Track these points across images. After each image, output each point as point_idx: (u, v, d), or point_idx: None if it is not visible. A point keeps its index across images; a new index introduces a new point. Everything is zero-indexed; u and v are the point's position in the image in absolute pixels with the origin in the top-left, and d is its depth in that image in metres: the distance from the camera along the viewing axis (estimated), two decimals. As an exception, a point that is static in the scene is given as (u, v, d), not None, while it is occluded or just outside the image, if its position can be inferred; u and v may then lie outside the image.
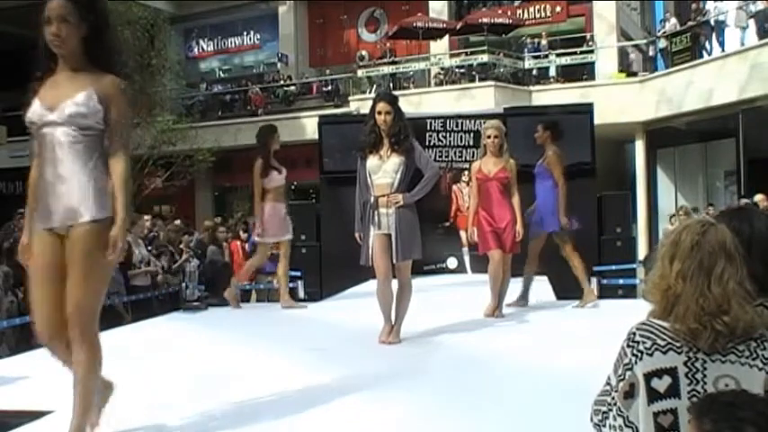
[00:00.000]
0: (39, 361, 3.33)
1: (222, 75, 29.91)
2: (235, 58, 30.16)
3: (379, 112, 6.21)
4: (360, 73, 23.88)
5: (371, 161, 6.21)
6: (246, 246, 13.04)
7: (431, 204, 12.22)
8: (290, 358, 5.73)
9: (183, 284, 10.34)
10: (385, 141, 6.22)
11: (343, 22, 27.29)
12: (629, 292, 10.16)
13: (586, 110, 11.06)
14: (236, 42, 29.81)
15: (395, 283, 6.25)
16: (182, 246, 11.68)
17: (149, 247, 11.14)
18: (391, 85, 22.95)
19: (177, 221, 14.84)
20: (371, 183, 6.21)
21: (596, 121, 11.18)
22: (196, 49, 30.44)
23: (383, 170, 6.17)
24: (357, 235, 6.33)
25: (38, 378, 5.13)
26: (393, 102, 6.34)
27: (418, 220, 6.28)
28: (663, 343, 2.14)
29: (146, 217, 12.18)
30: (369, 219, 6.18)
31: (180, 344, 6.77)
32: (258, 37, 29.22)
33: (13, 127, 22.38)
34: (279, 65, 27.37)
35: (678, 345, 2.13)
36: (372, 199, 6.18)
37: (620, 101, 19.75)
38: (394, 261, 6.14)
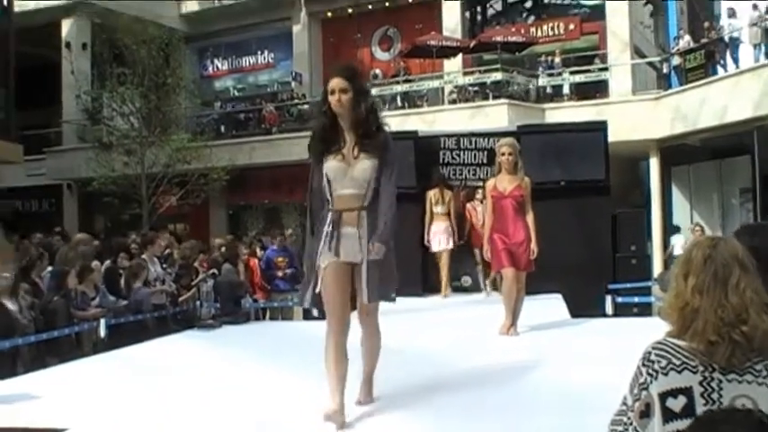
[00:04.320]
0: (53, 379, 3.32)
1: (236, 93, 30.04)
2: (249, 77, 30.30)
3: (332, 92, 4.41)
4: (374, 91, 23.91)
5: (331, 164, 4.46)
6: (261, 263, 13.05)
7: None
8: (301, 376, 5.72)
9: (198, 302, 10.37)
10: (348, 135, 4.50)
11: (356, 40, 27.39)
12: (645, 311, 10.11)
13: (600, 127, 11.07)
14: (251, 61, 29.97)
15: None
16: (196, 264, 11.70)
17: (164, 266, 11.18)
18: (405, 103, 23.00)
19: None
20: (331, 193, 4.50)
21: (610, 138, 11.18)
22: (211, 68, 30.61)
23: (349, 177, 4.45)
24: (306, 267, 4.67)
25: (52, 396, 5.14)
26: (350, 75, 4.49)
27: (392, 246, 4.54)
28: (678, 362, 2.13)
29: (164, 236, 12.23)
30: (325, 241, 4.47)
31: (194, 361, 6.78)
32: (272, 56, 29.37)
33: (29, 146, 22.58)
34: (293, 83, 27.49)
35: (693, 364, 2.12)
36: (332, 214, 4.48)
37: (634, 118, 19.70)
38: (364, 300, 4.47)
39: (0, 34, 20.91)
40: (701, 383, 2.10)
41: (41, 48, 26.00)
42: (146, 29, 21.78)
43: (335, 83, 4.44)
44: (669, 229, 20.31)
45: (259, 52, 29.67)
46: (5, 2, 21.35)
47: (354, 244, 4.44)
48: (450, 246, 11.51)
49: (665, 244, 20.33)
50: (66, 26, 25.95)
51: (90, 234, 14.00)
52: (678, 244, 18.18)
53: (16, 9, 21.83)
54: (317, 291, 4.47)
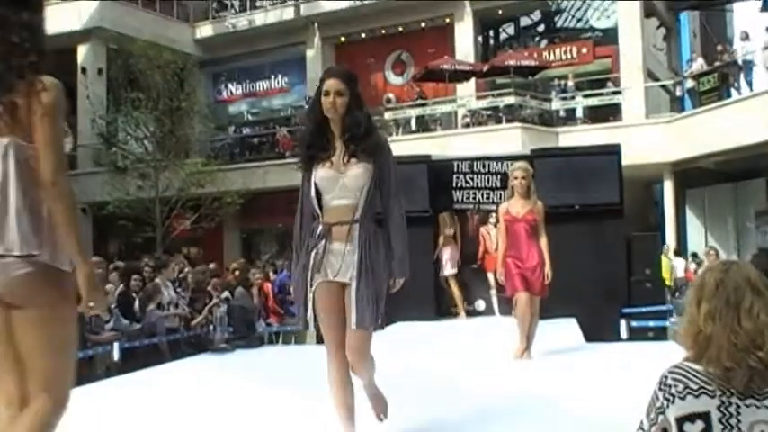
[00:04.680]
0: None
1: (250, 118, 30.18)
2: (263, 102, 30.46)
3: (326, 93, 4.06)
4: (387, 115, 23.99)
5: (321, 172, 4.08)
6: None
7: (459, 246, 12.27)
8: (315, 401, 5.71)
9: (211, 326, 10.37)
10: (338, 142, 4.12)
11: (369, 65, 27.50)
12: (660, 335, 10.05)
13: (614, 151, 11.06)
14: (265, 86, 30.13)
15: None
16: (209, 288, 11.71)
17: (178, 289, 11.19)
18: (419, 127, 23.04)
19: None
20: (321, 206, 4.12)
21: (624, 161, 11.16)
22: (225, 93, 30.79)
23: (340, 186, 4.06)
24: (295, 287, 4.29)
25: (64, 419, 5.14)
26: (348, 79, 4.16)
27: (387, 266, 4.14)
28: (695, 387, 2.12)
29: (178, 259, 12.26)
30: (313, 259, 4.07)
31: (207, 385, 6.77)
32: (286, 80, 29.52)
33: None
34: (306, 108, 27.61)
35: (711, 389, 2.10)
36: (322, 228, 4.07)
37: (647, 141, 19.67)
38: (351, 326, 3.98)
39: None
40: (718, 408, 2.08)
41: (57, 73, 26.13)
42: (160, 54, 21.97)
43: (332, 84, 4.09)
44: (684, 252, 20.20)
45: (273, 77, 29.84)
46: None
47: (340, 261, 4.03)
48: (454, 271, 11.63)
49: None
50: (82, 52, 26.18)
51: (104, 257, 14.05)
52: (680, 267, 18.05)
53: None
54: (311, 312, 4.11)
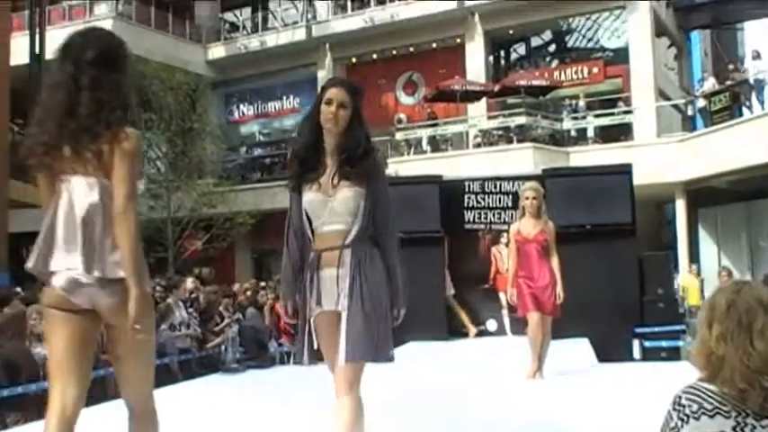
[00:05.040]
0: (78, 422, 3.34)
1: (262, 138, 30.30)
2: (274, 122, 30.57)
3: (329, 102, 3.71)
4: (398, 136, 24.06)
5: (309, 195, 3.76)
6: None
7: (470, 266, 12.26)
8: (326, 421, 5.68)
9: (223, 347, 10.37)
10: (329, 159, 3.77)
11: (381, 85, 27.60)
12: (673, 355, 9.99)
13: (625, 170, 11.04)
14: (276, 107, 30.25)
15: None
16: (221, 308, 11.72)
17: (189, 309, 11.20)
18: (430, 147, 23.08)
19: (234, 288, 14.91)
20: (312, 231, 3.78)
21: (636, 181, 11.14)
22: (236, 114, 30.93)
23: (330, 210, 3.71)
24: (283, 310, 4.02)
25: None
26: (354, 90, 3.81)
27: (388, 290, 3.73)
28: (710, 407, 2.10)
29: (189, 279, 12.27)
30: (306, 287, 3.76)
31: (218, 406, 6.76)
32: (297, 101, 29.63)
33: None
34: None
35: (726, 409, 2.09)
36: (313, 255, 3.75)
37: (659, 161, 19.64)
38: (340, 361, 3.60)
39: (31, 81, 21.27)
40: (734, 429, 2.07)
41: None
42: (173, 75, 22.10)
43: (336, 93, 3.73)
44: (697, 272, 20.10)
45: (284, 97, 29.96)
46: (37, 49, 21.75)
47: (333, 288, 3.67)
48: (452, 291, 11.67)
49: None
50: (96, 73, 26.33)
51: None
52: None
53: (47, 56, 22.23)
54: (316, 347, 3.78)
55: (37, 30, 21.87)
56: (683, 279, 18.36)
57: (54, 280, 3.21)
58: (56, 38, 23.28)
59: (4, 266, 17.73)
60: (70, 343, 3.20)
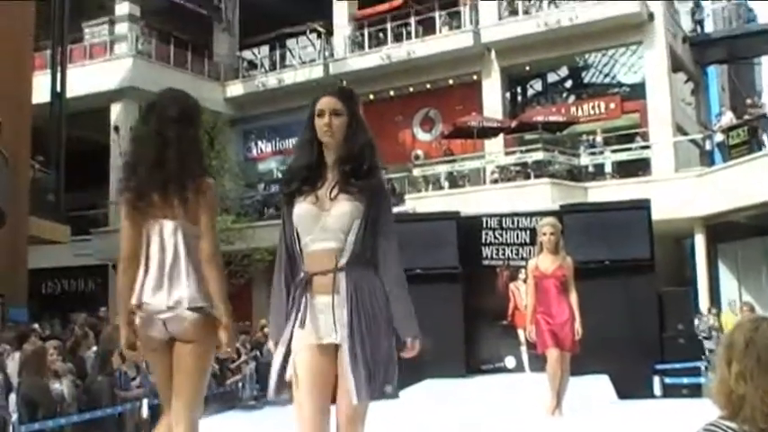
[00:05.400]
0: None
1: (280, 175, 30.36)
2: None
3: (320, 113, 3.39)
4: (415, 172, 24.10)
5: (300, 208, 3.36)
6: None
7: (488, 302, 12.22)
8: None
9: (240, 384, 10.35)
10: (330, 173, 3.39)
11: (398, 122, 27.70)
12: (695, 392, 9.88)
13: (644, 206, 11.02)
14: (294, 143, 30.36)
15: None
16: (238, 345, 11.71)
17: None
18: (447, 183, 23.10)
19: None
20: (301, 249, 3.37)
21: (654, 216, 11.10)
22: (255, 150, 31.11)
23: (322, 225, 3.31)
24: (271, 343, 3.48)
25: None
26: (346, 96, 3.48)
27: (389, 320, 3.31)
28: (731, 446, 2.07)
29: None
30: (295, 315, 3.32)
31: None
32: (315, 138, 29.76)
33: (77, 226, 23.01)
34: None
35: (747, 448, 2.06)
36: (302, 277, 3.34)
37: (677, 196, 19.56)
38: (353, 400, 3.17)
39: (52, 119, 21.54)
40: (754, 468, 2.04)
41: (91, 132, 26.72)
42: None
43: (326, 102, 3.40)
44: (717, 307, 19.91)
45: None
46: (58, 88, 22.05)
47: (328, 317, 3.25)
48: None
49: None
50: (115, 110, 26.63)
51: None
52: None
53: (68, 94, 22.52)
54: (288, 378, 3.30)
55: (58, 68, 22.21)
56: (725, 316, 18.21)
57: (146, 311, 3.66)
58: (77, 76, 23.64)
59: (23, 302, 17.82)
60: (162, 371, 3.75)
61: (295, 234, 3.39)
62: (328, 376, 3.28)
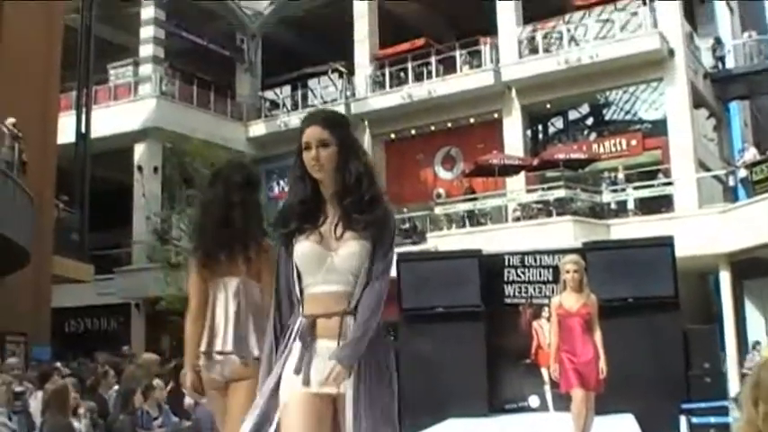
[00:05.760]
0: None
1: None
2: (314, 198, 30.78)
3: (307, 147, 3.14)
4: (437, 210, 24.11)
5: (303, 247, 3.09)
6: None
7: (510, 341, 12.13)
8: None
9: None
10: (330, 208, 3.14)
11: (419, 161, 27.79)
12: (723, 431, 9.74)
13: (667, 243, 10.95)
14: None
15: None
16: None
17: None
18: (469, 221, 23.07)
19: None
20: (302, 290, 3.11)
21: (678, 253, 11.02)
22: (277, 189, 31.22)
23: (328, 267, 3.06)
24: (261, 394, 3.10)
25: None
26: (332, 123, 3.18)
27: (394, 362, 3.14)
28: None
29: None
30: (284, 362, 3.06)
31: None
32: (337, 177, 29.87)
33: (100, 265, 23.17)
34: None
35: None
36: (301, 321, 3.06)
37: (701, 232, 19.41)
38: None
39: (77, 159, 21.79)
40: None
41: (114, 171, 27.00)
42: (215, 152, 22.44)
43: (311, 133, 3.12)
44: (744, 345, 19.67)
45: (324, 173, 30.21)
46: (83, 128, 22.32)
47: (330, 364, 2.95)
48: None
49: (741, 360, 19.68)
50: (139, 150, 26.89)
51: (156, 353, 14.15)
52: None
53: (92, 135, 22.78)
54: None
55: (83, 109, 22.51)
56: (766, 350, 17.99)
57: (209, 357, 4.07)
58: (101, 116, 23.95)
59: (47, 341, 17.90)
60: (219, 410, 4.13)
61: (294, 275, 3.12)
62: (322, 422, 3.00)
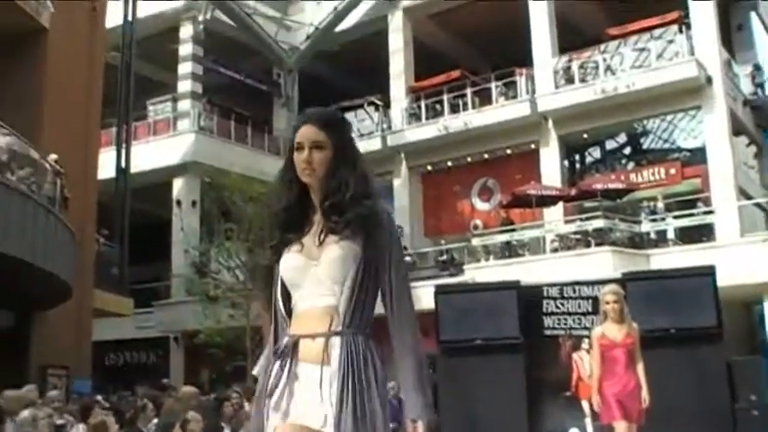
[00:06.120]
0: None
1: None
2: (351, 230, 30.81)
3: (299, 147, 2.81)
4: (474, 242, 24.03)
5: (287, 259, 2.77)
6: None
7: (550, 373, 11.99)
8: None
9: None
10: (316, 215, 2.82)
11: (456, 192, 27.77)
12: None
13: (708, 272, 10.80)
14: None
15: None
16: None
17: None
18: (507, 253, 22.95)
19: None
20: (289, 308, 2.80)
21: (720, 282, 10.85)
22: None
23: (312, 277, 2.72)
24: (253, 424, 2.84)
25: None
26: (329, 123, 2.86)
27: (386, 394, 2.76)
28: None
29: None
30: (270, 388, 2.73)
31: None
32: (374, 209, 29.88)
33: (139, 299, 23.37)
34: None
35: None
36: (286, 342, 2.72)
37: (744, 261, 19.12)
38: None
39: (117, 194, 22.07)
40: None
41: (154, 206, 27.31)
42: (252, 186, 22.60)
43: (305, 133, 2.79)
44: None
45: (361, 206, 30.26)
46: (123, 163, 22.63)
47: (313, 394, 2.62)
48: None
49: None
50: (178, 185, 27.19)
51: (195, 386, 14.17)
52: None
53: (132, 170, 23.08)
54: None
55: (123, 145, 22.83)
56: None
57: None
58: (141, 152, 24.31)
59: (88, 374, 18.04)
60: None
61: (278, 292, 2.80)
62: None
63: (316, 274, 2.70)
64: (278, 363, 2.70)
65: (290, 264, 2.74)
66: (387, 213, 2.80)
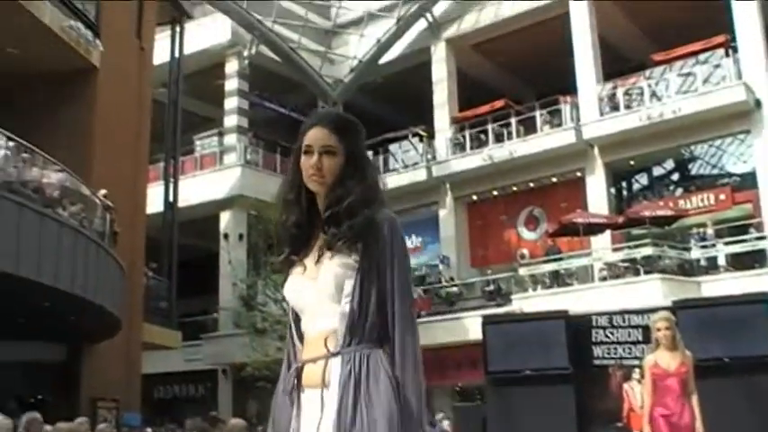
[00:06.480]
0: None
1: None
2: (397, 261, 30.78)
3: (308, 150, 2.56)
4: (521, 271, 23.85)
5: (290, 282, 2.62)
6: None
7: (601, 404, 11.81)
8: None
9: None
10: (316, 229, 2.61)
11: (502, 222, 27.65)
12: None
13: (763, 299, 10.59)
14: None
15: None
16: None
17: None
18: (555, 282, 22.74)
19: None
20: (296, 334, 2.65)
21: (776, 309, 10.63)
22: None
23: (310, 299, 2.56)
24: None
25: None
26: (341, 126, 2.60)
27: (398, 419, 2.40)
28: None
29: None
30: (279, 419, 2.61)
31: None
32: (420, 240, 29.90)
33: (188, 332, 23.55)
34: (440, 266, 27.77)
35: None
36: (291, 371, 2.59)
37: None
38: None
39: (165, 228, 22.34)
40: None
41: (201, 239, 27.58)
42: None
43: (316, 135, 2.55)
44: None
45: (407, 237, 30.22)
46: (171, 198, 22.92)
47: (315, 419, 2.47)
48: None
49: None
50: (225, 218, 27.45)
51: (243, 418, 14.19)
52: None
53: (180, 204, 23.37)
54: None
55: (171, 180, 23.15)
56: None
57: None
58: (188, 186, 24.63)
59: (137, 407, 18.17)
60: None
61: (291, 317, 2.66)
62: None
63: (315, 295, 2.53)
64: (286, 394, 2.58)
65: (291, 287, 2.60)
66: (389, 220, 2.53)
